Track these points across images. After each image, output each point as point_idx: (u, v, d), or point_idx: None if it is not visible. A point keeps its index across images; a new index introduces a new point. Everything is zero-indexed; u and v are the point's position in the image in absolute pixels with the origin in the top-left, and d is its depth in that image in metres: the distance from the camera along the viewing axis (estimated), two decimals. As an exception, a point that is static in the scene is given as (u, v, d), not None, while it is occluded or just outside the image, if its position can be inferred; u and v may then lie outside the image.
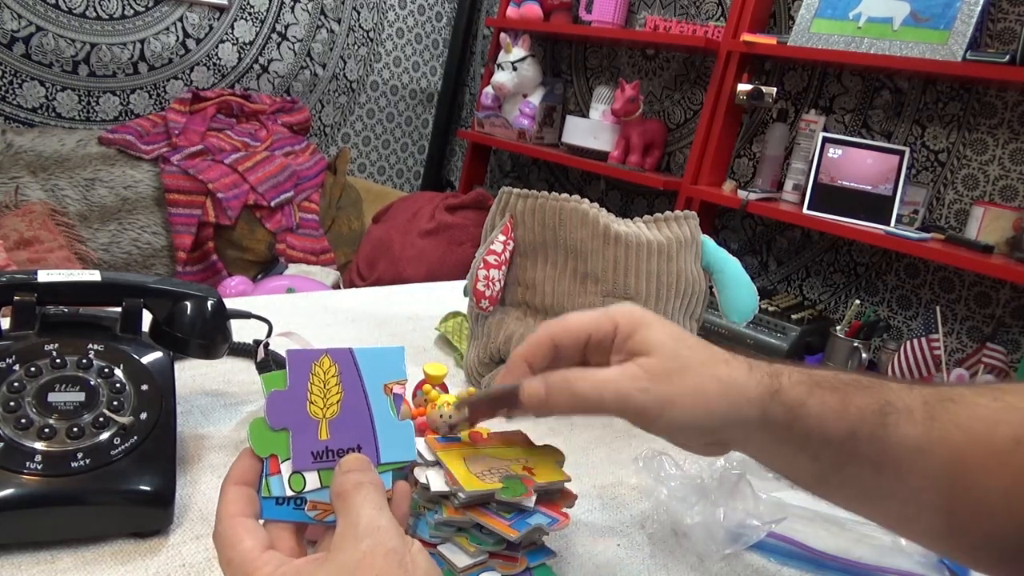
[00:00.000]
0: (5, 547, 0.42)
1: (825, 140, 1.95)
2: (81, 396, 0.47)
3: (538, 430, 0.68)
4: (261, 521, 0.37)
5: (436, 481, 0.43)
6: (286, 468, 0.38)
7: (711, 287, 0.76)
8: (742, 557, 0.54)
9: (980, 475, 0.37)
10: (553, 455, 0.48)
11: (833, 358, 1.84)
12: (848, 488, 0.41)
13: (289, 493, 0.38)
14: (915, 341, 1.78)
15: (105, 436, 0.46)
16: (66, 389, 0.47)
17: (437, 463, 0.44)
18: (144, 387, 0.49)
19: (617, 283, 0.70)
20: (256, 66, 2.53)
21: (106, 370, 0.49)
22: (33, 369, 0.47)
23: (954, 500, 0.38)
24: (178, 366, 0.58)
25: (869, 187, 1.89)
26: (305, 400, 0.39)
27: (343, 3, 2.68)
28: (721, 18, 2.33)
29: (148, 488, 0.45)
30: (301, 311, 0.91)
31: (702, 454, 0.43)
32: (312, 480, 0.38)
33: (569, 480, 0.45)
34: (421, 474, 0.44)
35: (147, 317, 0.54)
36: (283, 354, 0.69)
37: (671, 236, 0.72)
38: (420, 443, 0.46)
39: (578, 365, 0.43)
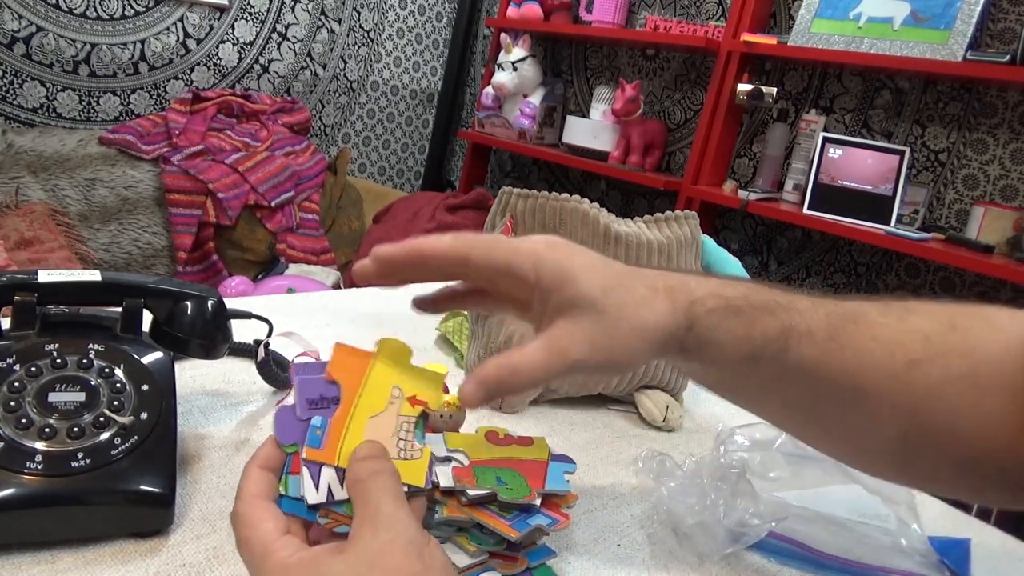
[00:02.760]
0: (5, 547, 0.42)
1: (825, 140, 1.95)
2: (81, 396, 0.47)
3: (538, 429, 0.68)
4: None
5: (443, 477, 0.43)
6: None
7: (711, 287, 0.76)
8: (742, 557, 0.54)
9: (872, 398, 0.40)
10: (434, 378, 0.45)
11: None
12: (753, 395, 0.45)
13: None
14: (915, 341, 1.78)
15: (105, 436, 0.46)
16: (66, 389, 0.47)
17: (446, 459, 0.44)
18: (144, 387, 0.49)
19: (617, 283, 0.70)
20: (256, 66, 2.53)
21: (106, 370, 0.49)
22: (33, 369, 0.47)
23: (849, 418, 0.41)
24: (178, 366, 0.58)
25: (869, 187, 1.89)
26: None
27: (343, 3, 2.69)
28: (721, 18, 2.33)
29: (148, 488, 0.45)
30: (301, 311, 0.91)
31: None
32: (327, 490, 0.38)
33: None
34: None
35: (147, 317, 0.54)
36: (283, 354, 0.69)
37: (671, 236, 0.72)
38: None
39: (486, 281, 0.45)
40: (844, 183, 1.92)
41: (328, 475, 0.38)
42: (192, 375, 0.68)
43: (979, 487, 0.41)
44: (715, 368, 0.43)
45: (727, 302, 0.42)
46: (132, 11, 2.22)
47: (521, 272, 0.41)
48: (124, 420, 0.47)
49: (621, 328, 0.40)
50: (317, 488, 0.38)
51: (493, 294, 0.47)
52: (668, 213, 0.74)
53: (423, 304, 0.49)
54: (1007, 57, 1.65)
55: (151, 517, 0.46)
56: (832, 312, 0.42)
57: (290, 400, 0.40)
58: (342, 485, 0.38)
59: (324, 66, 2.71)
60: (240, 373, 0.70)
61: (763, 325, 0.41)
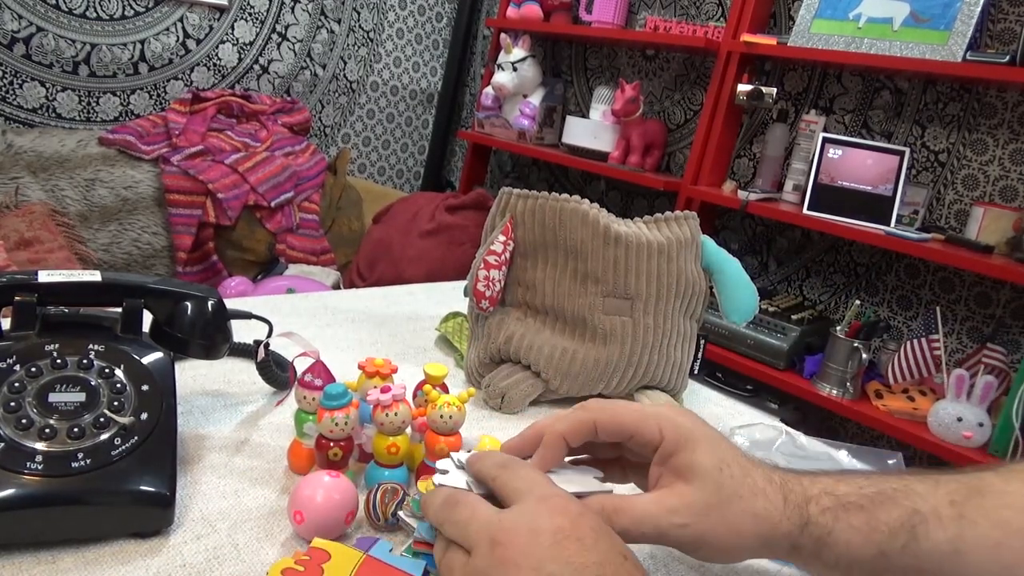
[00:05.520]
0: (6, 547, 0.42)
1: (825, 140, 1.95)
2: (82, 396, 0.47)
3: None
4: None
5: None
6: None
7: (711, 287, 0.76)
8: (742, 557, 0.54)
9: (1018, 565, 0.38)
10: None
11: (833, 358, 1.84)
12: None
13: None
14: (915, 341, 1.78)
15: (106, 436, 0.46)
16: (67, 389, 0.47)
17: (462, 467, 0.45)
18: (145, 387, 0.49)
19: (617, 283, 0.70)
20: (256, 66, 2.53)
21: (107, 370, 0.49)
22: (34, 369, 0.47)
23: None
24: (178, 366, 0.58)
25: (869, 187, 1.89)
26: None
27: (343, 3, 2.69)
28: (721, 18, 2.33)
29: (149, 488, 0.45)
30: (301, 311, 0.91)
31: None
32: None
33: None
34: (460, 479, 0.44)
35: (147, 317, 0.54)
36: (283, 354, 0.69)
37: (671, 236, 0.72)
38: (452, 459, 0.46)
39: (612, 449, 0.46)
40: (844, 183, 1.92)
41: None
42: (192, 375, 0.68)
43: None
44: (840, 571, 0.42)
45: (840, 499, 0.41)
46: (132, 11, 2.22)
47: (648, 435, 0.43)
48: (124, 420, 0.47)
49: (734, 505, 0.41)
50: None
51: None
52: (668, 213, 0.75)
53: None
54: (1007, 58, 1.65)
55: (151, 517, 0.46)
56: (953, 490, 0.41)
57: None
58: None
59: (324, 66, 2.71)
60: (240, 373, 0.70)
61: (886, 516, 0.40)
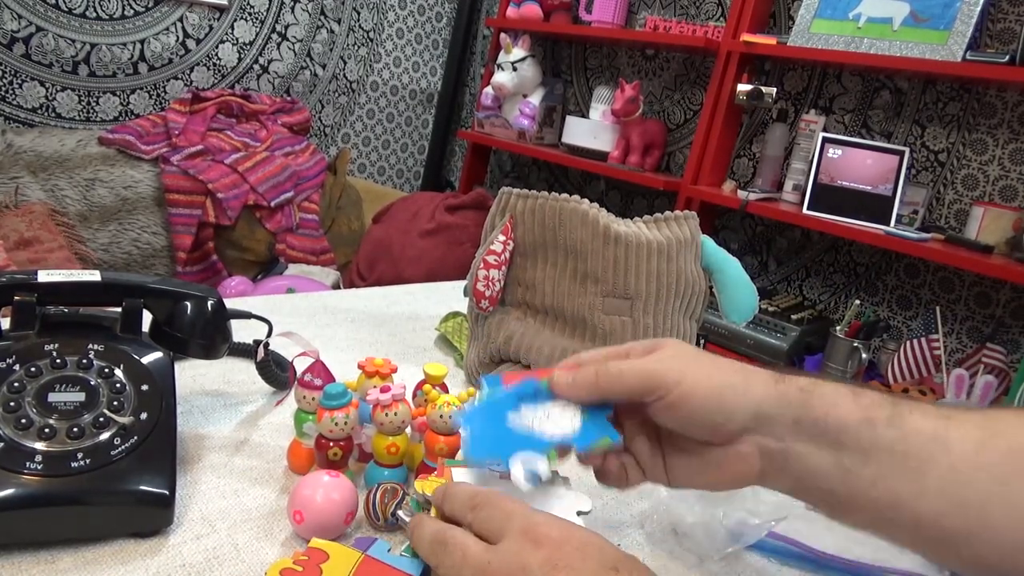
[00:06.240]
0: (5, 547, 0.42)
1: (825, 140, 1.95)
2: (81, 396, 0.47)
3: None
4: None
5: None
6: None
7: (711, 287, 0.76)
8: (742, 557, 0.54)
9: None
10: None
11: (833, 358, 1.84)
12: (877, 491, 0.39)
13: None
14: (915, 341, 1.78)
15: (105, 436, 0.46)
16: (66, 389, 0.47)
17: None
18: (144, 387, 0.49)
19: (617, 283, 0.70)
20: (256, 66, 2.53)
21: (106, 370, 0.49)
22: (33, 369, 0.47)
23: (993, 501, 0.37)
24: (178, 366, 0.58)
25: (869, 187, 1.89)
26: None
27: (343, 3, 2.69)
28: (721, 18, 2.33)
29: (148, 488, 0.45)
30: (301, 311, 0.91)
31: (710, 484, 0.45)
32: None
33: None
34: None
35: (147, 317, 0.54)
36: (283, 354, 0.69)
37: (671, 236, 0.72)
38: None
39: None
40: (844, 183, 1.92)
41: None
42: (192, 375, 0.68)
43: None
44: (829, 439, 0.40)
45: (818, 384, 0.42)
46: (132, 11, 2.22)
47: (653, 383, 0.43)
48: (124, 420, 0.47)
49: (722, 362, 0.43)
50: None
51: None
52: (668, 213, 0.74)
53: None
54: (1006, 57, 1.65)
55: (151, 517, 0.46)
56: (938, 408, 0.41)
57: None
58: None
59: (324, 66, 2.70)
60: (240, 373, 0.70)
61: (869, 394, 0.41)
